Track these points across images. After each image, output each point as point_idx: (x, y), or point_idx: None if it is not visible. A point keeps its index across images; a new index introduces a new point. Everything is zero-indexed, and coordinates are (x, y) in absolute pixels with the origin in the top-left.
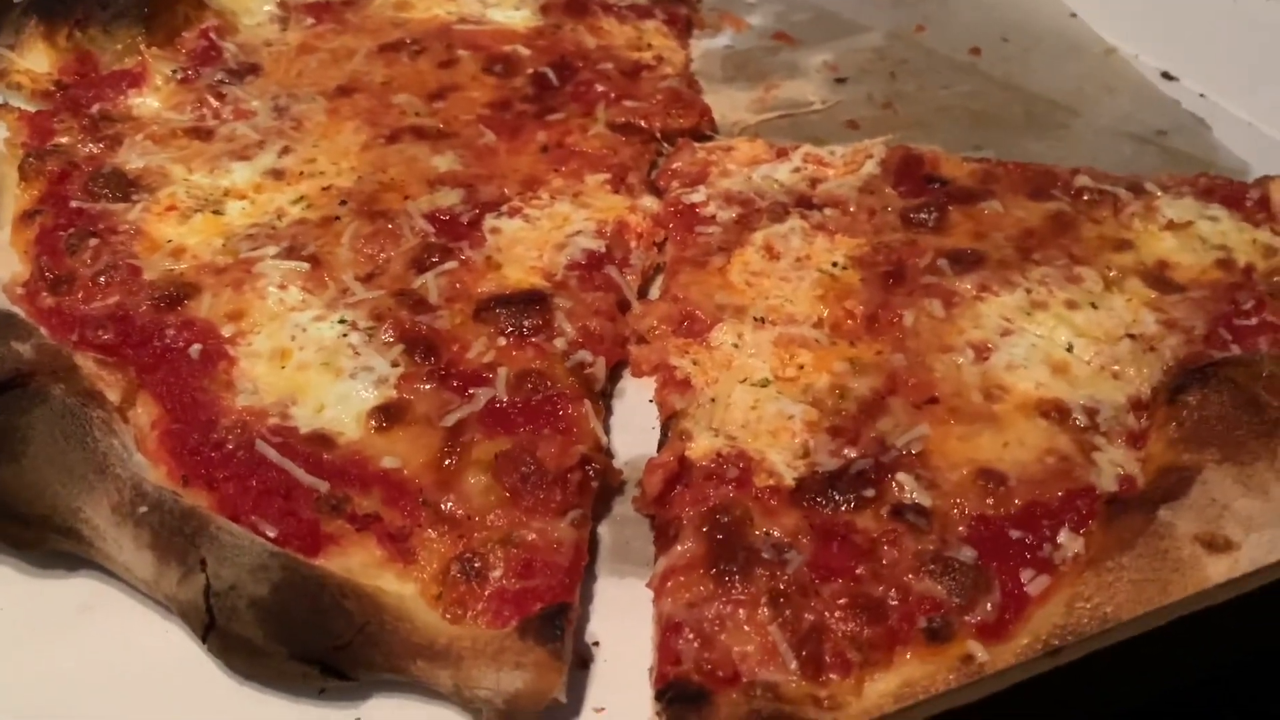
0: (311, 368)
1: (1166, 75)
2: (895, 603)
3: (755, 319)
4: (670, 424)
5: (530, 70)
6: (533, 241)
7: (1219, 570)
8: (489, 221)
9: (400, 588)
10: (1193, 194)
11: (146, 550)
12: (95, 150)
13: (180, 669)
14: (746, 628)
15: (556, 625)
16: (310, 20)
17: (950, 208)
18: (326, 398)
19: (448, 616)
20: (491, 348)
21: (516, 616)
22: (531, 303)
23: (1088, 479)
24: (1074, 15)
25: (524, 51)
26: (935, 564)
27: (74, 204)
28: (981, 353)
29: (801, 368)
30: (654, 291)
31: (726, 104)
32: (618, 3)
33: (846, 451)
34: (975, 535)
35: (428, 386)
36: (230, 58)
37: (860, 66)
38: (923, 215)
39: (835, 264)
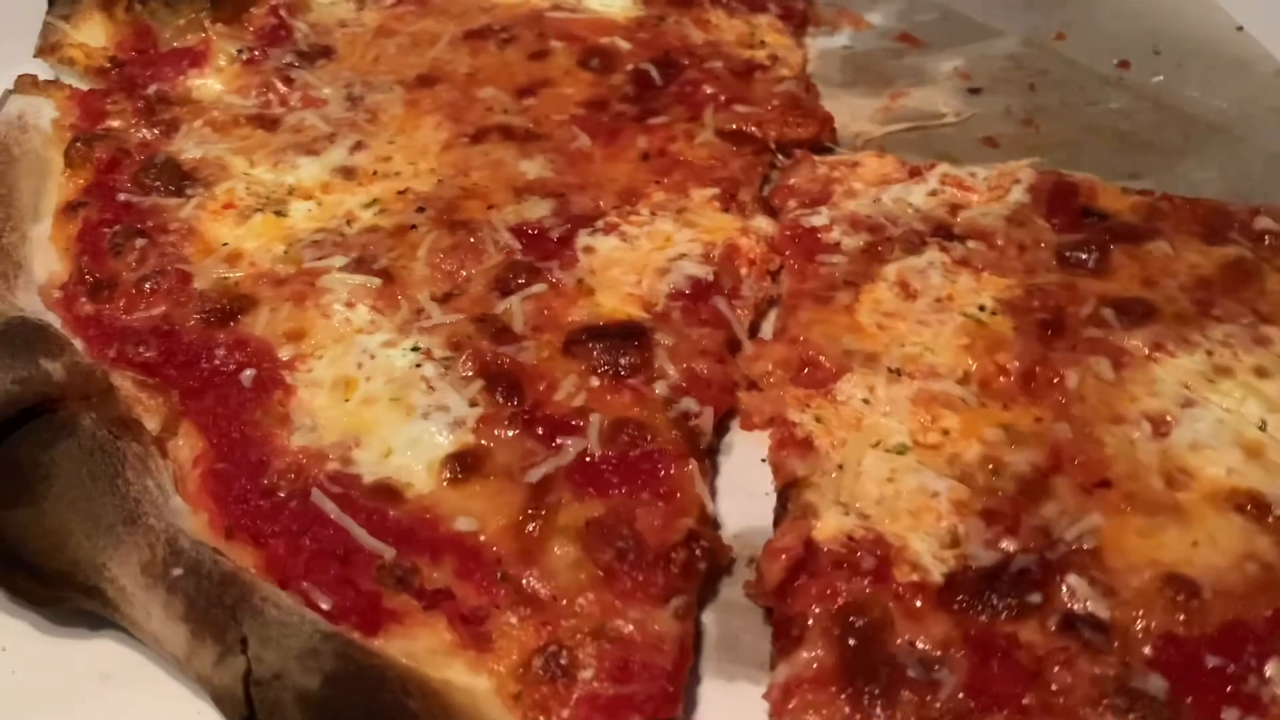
0: (379, 403)
1: None
2: None
3: (890, 370)
4: (789, 494)
5: (630, 66)
6: (630, 264)
7: None
8: (582, 239)
9: (473, 681)
10: None
11: (179, 622)
12: (149, 136)
13: None
14: None
15: None
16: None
17: (1112, 247)
18: (395, 440)
19: None
20: (583, 388)
21: None
22: (629, 337)
23: None
24: (1240, 29)
25: (623, 45)
26: (1118, 695)
27: (122, 197)
28: (1160, 427)
29: (946, 433)
30: (767, 329)
31: (848, 112)
32: None
33: (1004, 544)
34: (1164, 659)
35: (510, 433)
36: (301, 38)
37: (995, 75)
38: (1081, 254)
39: (982, 307)
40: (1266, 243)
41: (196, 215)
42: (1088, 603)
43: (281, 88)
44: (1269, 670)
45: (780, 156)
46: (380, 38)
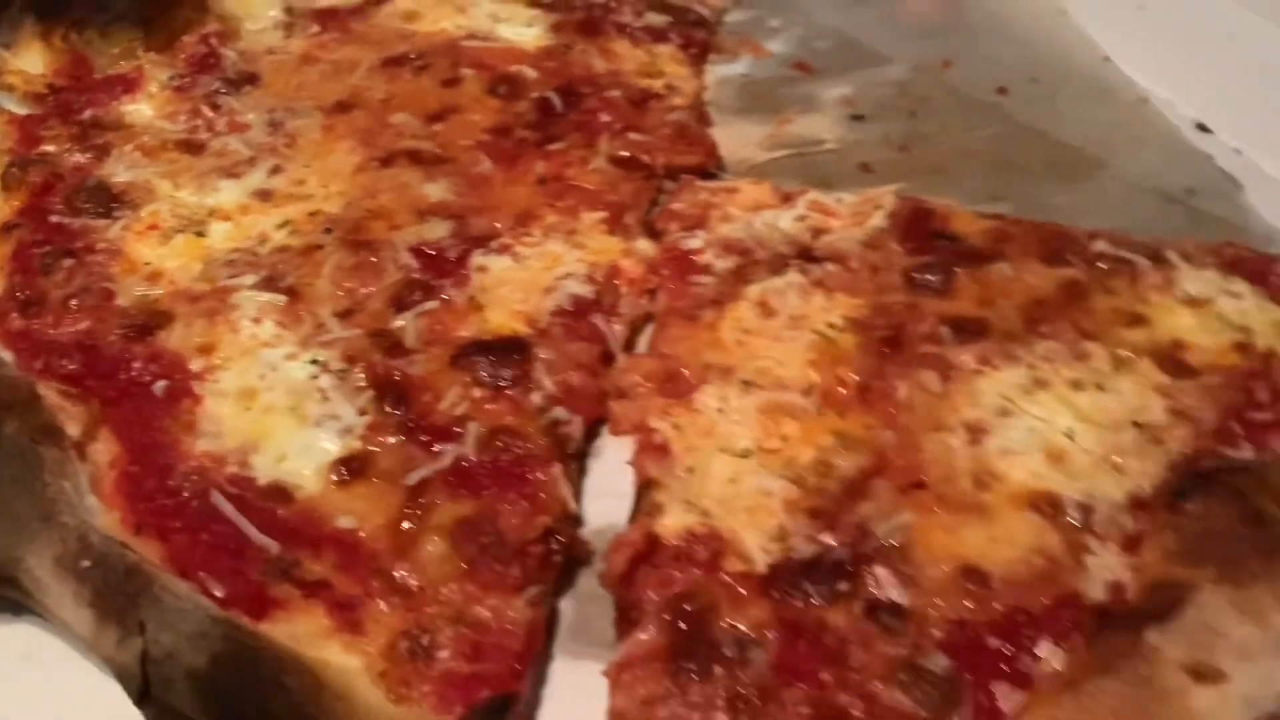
0: (277, 411)
1: (1201, 127)
2: (859, 714)
3: (743, 382)
4: (644, 493)
5: (535, 94)
6: (519, 283)
7: (1206, 703)
8: (476, 258)
9: (345, 660)
10: (1216, 265)
11: (87, 608)
12: (82, 160)
13: None
14: None
15: (502, 717)
16: (315, 28)
17: (957, 269)
18: (289, 446)
19: (391, 696)
20: (465, 398)
21: (461, 701)
22: (511, 351)
23: (1075, 585)
24: (1107, 59)
25: (530, 73)
26: (906, 672)
27: (54, 218)
28: (976, 434)
29: (786, 439)
30: (642, 344)
31: (737, 138)
32: (633, 24)
33: (824, 537)
34: (951, 641)
35: (394, 439)
36: (229, 66)
37: (880, 103)
38: (928, 276)
39: (832, 325)
40: (1101, 265)
41: (123, 236)
42: (891, 591)
43: (208, 113)
44: (1040, 650)
45: (667, 182)
46: (304, 65)
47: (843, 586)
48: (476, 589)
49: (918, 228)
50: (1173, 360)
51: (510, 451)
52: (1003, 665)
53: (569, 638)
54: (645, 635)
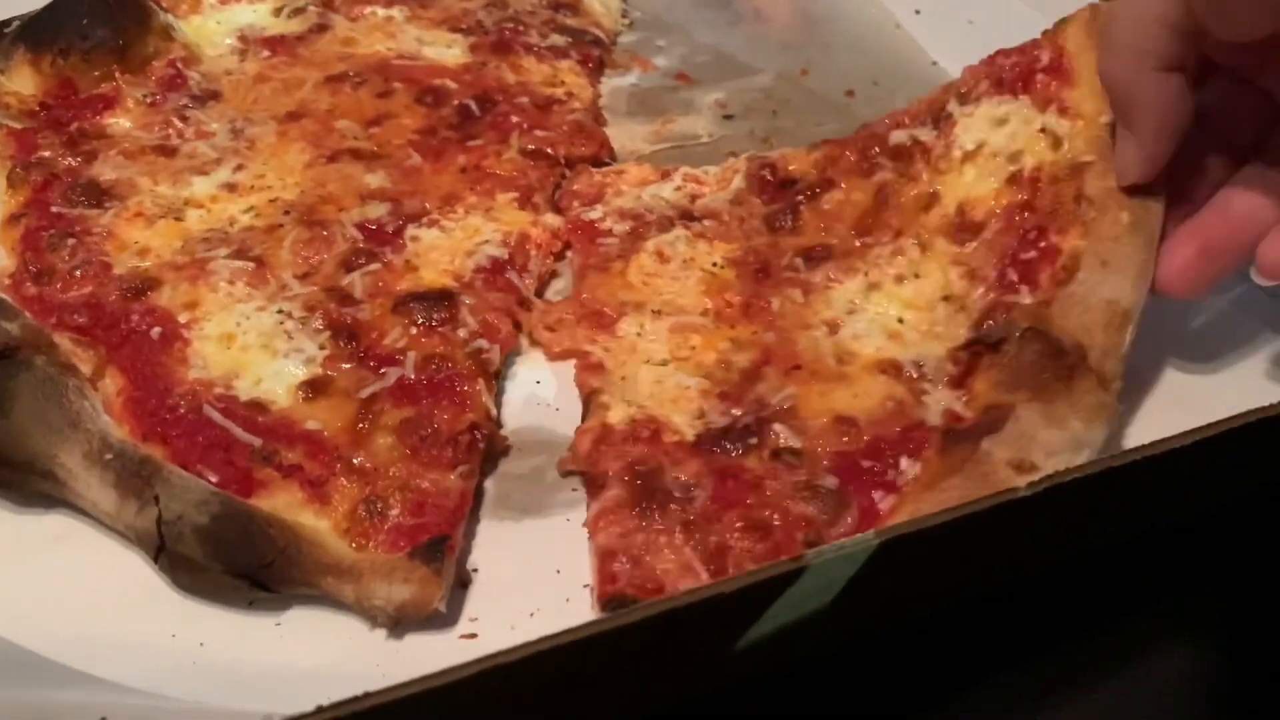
0: (252, 349)
1: None
2: (779, 523)
3: (653, 311)
4: (590, 399)
5: (456, 102)
6: (447, 249)
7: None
8: (410, 231)
9: (316, 523)
10: (991, 89)
11: (111, 488)
12: (74, 163)
13: (136, 586)
14: (666, 551)
15: (438, 550)
16: (266, 53)
17: (801, 209)
18: (264, 373)
19: (353, 545)
20: (405, 335)
21: (408, 545)
22: (441, 299)
23: (920, 416)
24: (935, 63)
25: (452, 85)
26: (807, 491)
27: (54, 209)
28: (833, 329)
29: (694, 349)
30: (551, 293)
31: (626, 135)
32: (539, 44)
33: (734, 411)
34: (836, 467)
35: (348, 366)
36: (194, 85)
37: (747, 105)
38: (781, 220)
39: (715, 264)
40: (900, 162)
41: (114, 222)
42: (787, 439)
43: (178, 124)
44: (902, 465)
45: (567, 169)
46: (258, 83)
47: (753, 441)
48: (418, 467)
49: (767, 181)
50: (961, 225)
51: (442, 371)
52: (875, 478)
53: (492, 507)
54: (612, 493)
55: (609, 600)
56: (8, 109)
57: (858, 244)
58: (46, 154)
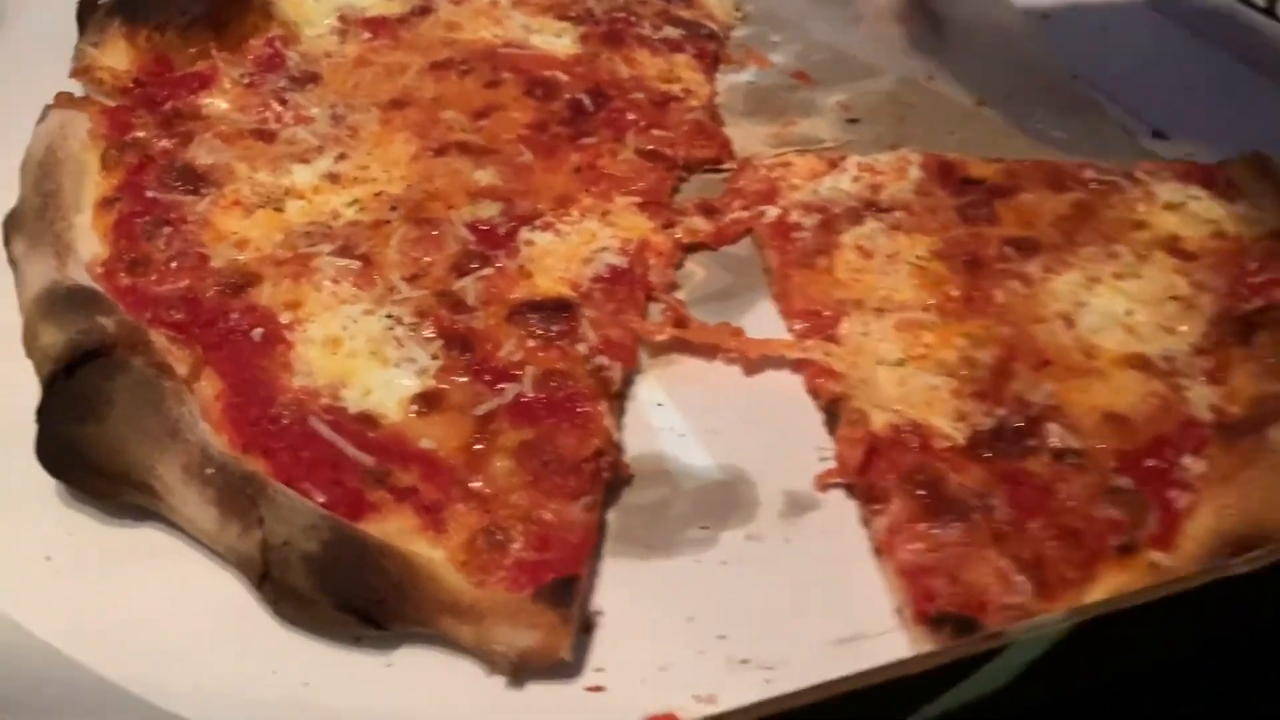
0: (360, 356)
1: (1158, 134)
2: (1088, 530)
3: (874, 309)
4: (837, 406)
5: (568, 95)
6: (562, 254)
7: None
8: (524, 234)
9: (431, 553)
10: (1174, 178)
11: (211, 506)
12: (169, 145)
13: (233, 611)
14: (982, 565)
15: (567, 593)
16: (367, 35)
17: (995, 202)
18: (373, 383)
19: (472, 580)
20: (521, 347)
21: (532, 584)
22: (559, 310)
23: (1188, 412)
24: (1075, 77)
25: (563, 77)
26: (1105, 495)
27: (149, 194)
28: (1069, 322)
29: (928, 346)
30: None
31: (745, 137)
32: (652, 36)
33: (998, 411)
34: (1121, 467)
35: (463, 379)
36: (293, 66)
37: (871, 108)
38: (976, 210)
39: (920, 257)
40: (1094, 187)
41: (210, 210)
42: (1066, 440)
43: (277, 107)
44: (1185, 461)
45: (685, 172)
46: (359, 67)
47: (1031, 443)
48: (540, 496)
49: (948, 176)
50: (1176, 249)
51: (562, 390)
52: (1163, 477)
53: (614, 542)
54: (898, 505)
55: (933, 618)
56: (100, 85)
57: (1065, 242)
58: (141, 134)
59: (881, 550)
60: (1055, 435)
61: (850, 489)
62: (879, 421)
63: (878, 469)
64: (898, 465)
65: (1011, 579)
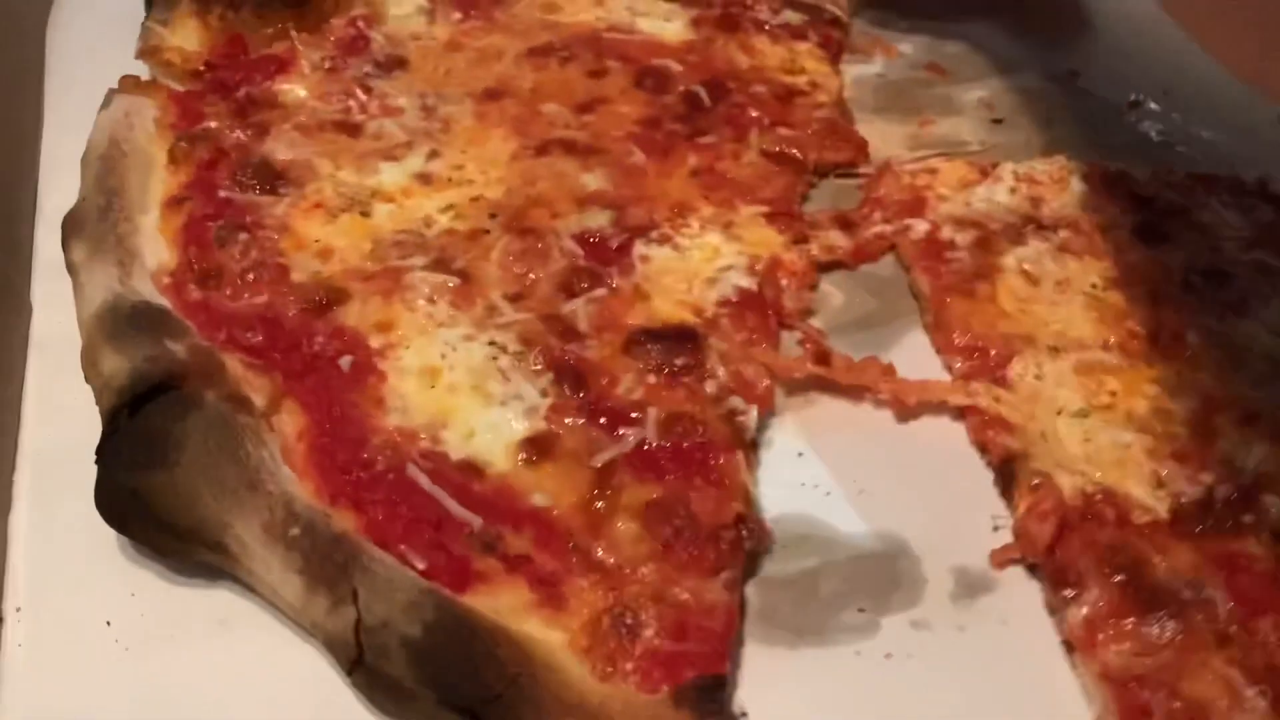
0: (462, 390)
1: None
2: None
3: (1049, 348)
4: (1010, 466)
5: (681, 88)
6: (682, 273)
7: None
8: (638, 248)
9: (548, 635)
10: None
11: (295, 575)
12: (243, 137)
13: (317, 693)
14: (1204, 674)
15: (715, 698)
16: (458, 15)
17: (1172, 221)
18: (477, 424)
19: (596, 672)
20: (641, 384)
21: (666, 680)
22: (683, 340)
23: None
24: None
25: (675, 67)
26: None
27: (222, 193)
28: (1275, 366)
29: (1114, 394)
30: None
31: (879, 136)
32: (771, 21)
33: (1202, 477)
34: None
35: (577, 421)
36: (378, 49)
37: (1015, 108)
38: (1153, 231)
39: (1094, 285)
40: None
41: (289, 213)
42: None
43: (361, 95)
44: None
45: (815, 177)
46: (450, 52)
47: (1246, 519)
48: (673, 570)
49: (1113, 188)
50: None
51: (690, 437)
52: None
53: (757, 624)
54: (1095, 594)
55: None
56: (169, 67)
57: (1254, 271)
58: (213, 124)
59: (1077, 647)
60: (1276, 508)
61: (1032, 568)
62: (1067, 488)
63: (1068, 547)
64: (1092, 543)
65: (1242, 693)
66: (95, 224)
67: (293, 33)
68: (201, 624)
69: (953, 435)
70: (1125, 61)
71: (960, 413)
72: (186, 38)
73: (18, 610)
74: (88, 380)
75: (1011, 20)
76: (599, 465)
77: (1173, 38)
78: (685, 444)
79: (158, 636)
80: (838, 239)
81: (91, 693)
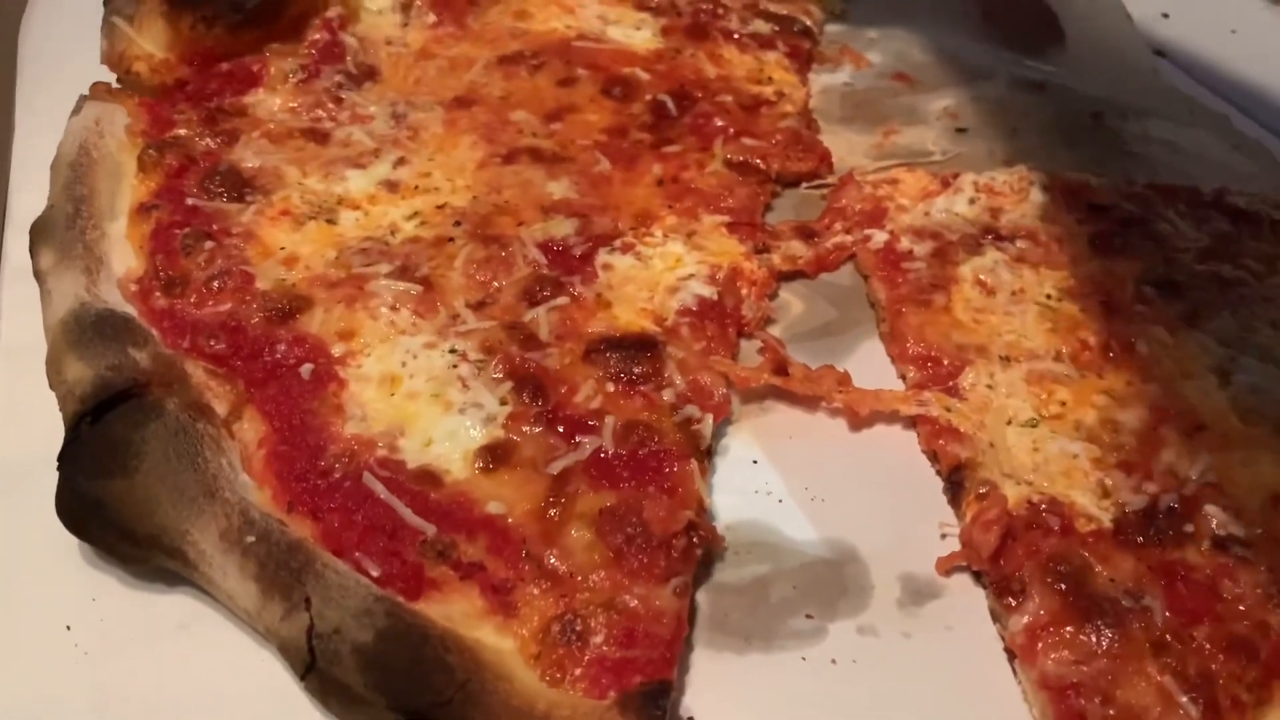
0: (421, 398)
1: None
2: (1262, 640)
3: (1000, 357)
4: (959, 475)
5: (649, 96)
6: (644, 281)
7: None
8: (601, 256)
9: (499, 642)
10: None
11: (251, 581)
12: (213, 145)
13: (273, 697)
14: (1139, 681)
15: (659, 705)
16: (432, 16)
17: (1128, 232)
18: (435, 432)
19: (545, 678)
20: (599, 392)
21: (614, 686)
22: (642, 348)
23: None
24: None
25: (643, 76)
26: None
27: (190, 201)
28: (1224, 378)
29: (1064, 404)
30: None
31: (844, 146)
32: (740, 30)
33: (1147, 487)
34: None
35: (535, 429)
36: (350, 60)
37: (981, 117)
38: (1109, 242)
39: (1049, 296)
40: (1237, 216)
41: (256, 220)
42: (1228, 525)
43: (331, 106)
44: None
45: (778, 187)
46: (422, 60)
47: (1188, 529)
48: (624, 577)
49: (1073, 199)
50: None
51: (646, 445)
52: None
53: (707, 630)
54: (1037, 602)
55: None
56: (137, 76)
57: (1208, 281)
58: (182, 132)
59: (1018, 654)
60: (1216, 518)
61: (978, 574)
62: (1013, 497)
63: (1012, 555)
64: (1036, 552)
65: (1175, 699)
66: (63, 231)
67: (266, 49)
68: (161, 628)
69: (905, 444)
70: (1092, 73)
71: (912, 421)
72: (154, 39)
73: None
74: (52, 387)
75: (982, 30)
76: (555, 473)
77: (1141, 51)
78: (641, 452)
79: (118, 640)
80: (799, 249)
81: (51, 696)
